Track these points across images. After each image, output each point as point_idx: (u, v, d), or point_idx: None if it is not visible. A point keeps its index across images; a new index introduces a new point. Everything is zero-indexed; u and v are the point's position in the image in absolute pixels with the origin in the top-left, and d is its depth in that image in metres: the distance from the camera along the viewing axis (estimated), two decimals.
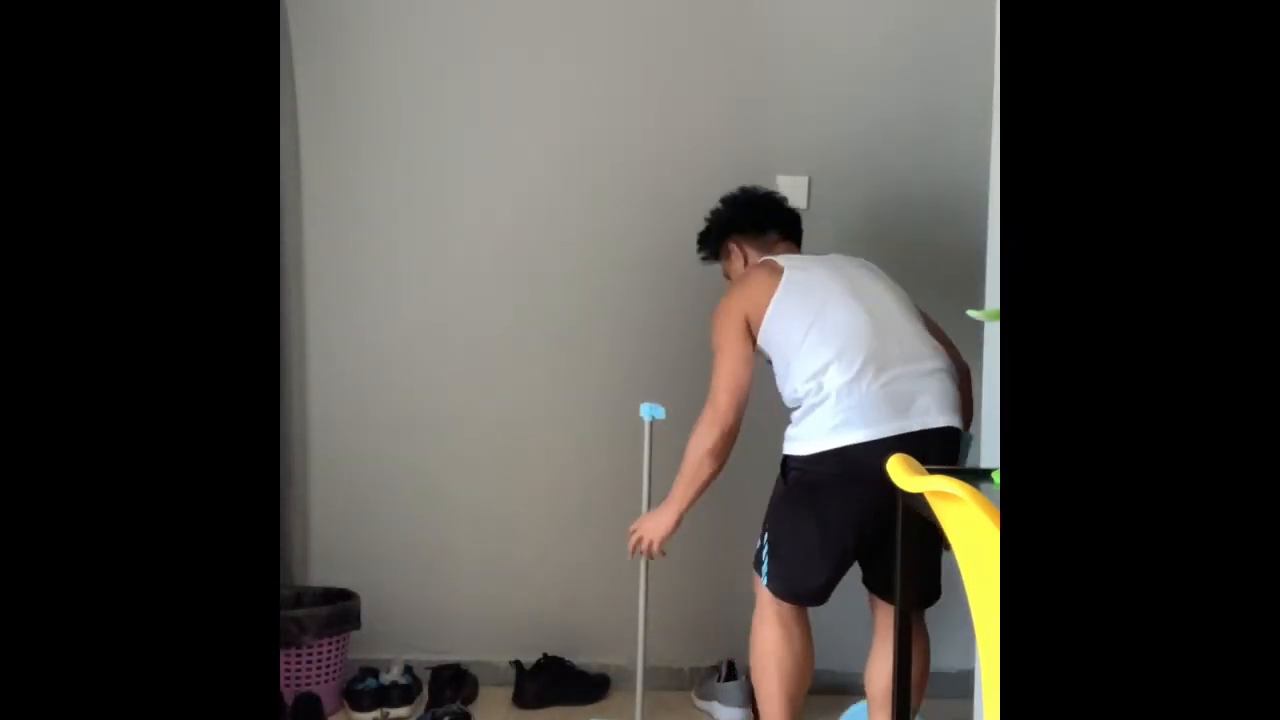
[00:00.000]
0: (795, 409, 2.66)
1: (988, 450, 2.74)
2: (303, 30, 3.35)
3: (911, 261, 3.42)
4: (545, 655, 3.29)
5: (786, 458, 2.66)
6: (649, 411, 2.88)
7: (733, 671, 3.26)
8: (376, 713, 3.14)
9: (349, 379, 3.44)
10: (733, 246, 2.94)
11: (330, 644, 3.15)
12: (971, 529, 1.69)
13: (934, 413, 2.58)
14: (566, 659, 3.35)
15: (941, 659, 3.23)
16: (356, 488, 3.44)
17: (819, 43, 3.42)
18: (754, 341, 2.69)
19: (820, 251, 3.37)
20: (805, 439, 2.59)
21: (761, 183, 3.39)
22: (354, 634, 3.26)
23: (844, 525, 2.59)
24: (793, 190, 3.40)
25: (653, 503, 2.86)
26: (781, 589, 2.64)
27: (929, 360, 2.65)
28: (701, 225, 3.40)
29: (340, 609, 3.19)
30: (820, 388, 2.57)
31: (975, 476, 2.36)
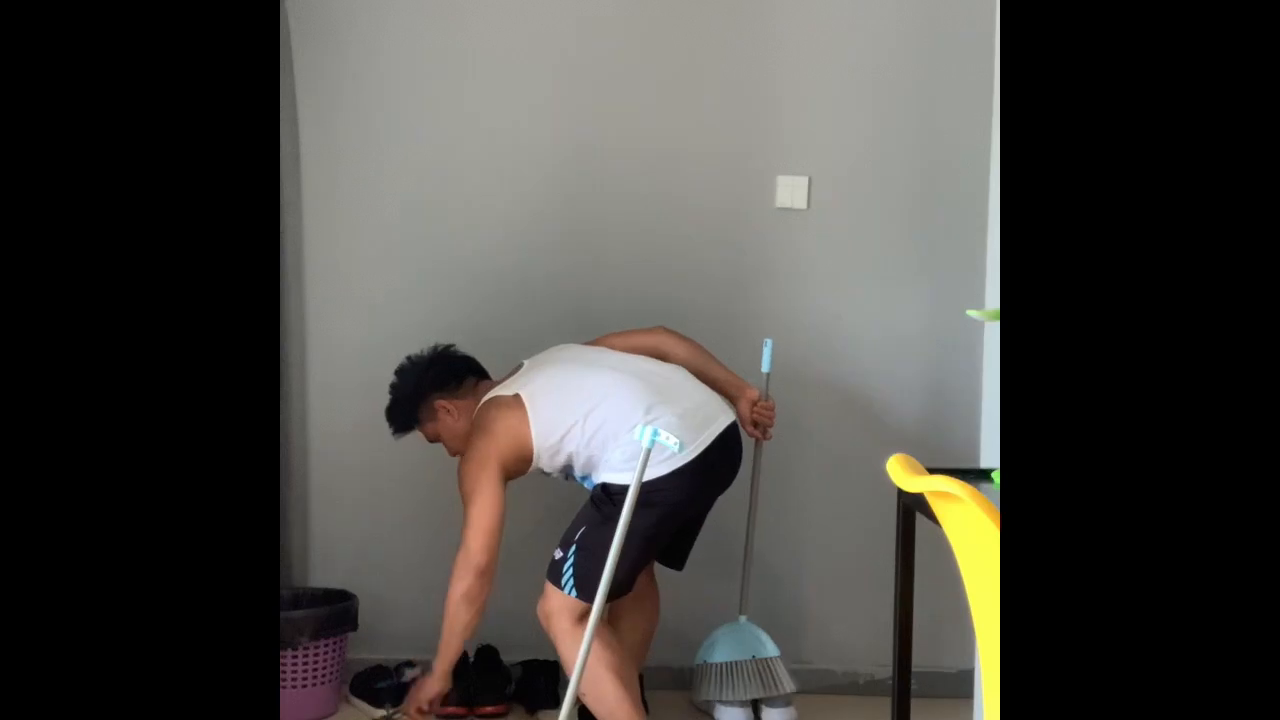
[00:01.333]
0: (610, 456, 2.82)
1: (988, 450, 2.75)
2: (303, 30, 3.35)
3: (911, 262, 3.43)
4: (537, 660, 3.28)
5: (615, 487, 2.78)
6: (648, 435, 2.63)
7: None
8: (383, 711, 3.15)
9: (349, 379, 3.44)
10: (438, 406, 3.02)
11: (328, 645, 3.15)
12: (971, 529, 1.69)
13: (720, 416, 2.87)
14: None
15: (942, 659, 3.24)
16: (356, 488, 3.44)
17: (820, 43, 3.42)
18: (507, 481, 2.88)
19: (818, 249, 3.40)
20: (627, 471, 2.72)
21: (762, 183, 3.41)
22: (354, 634, 3.26)
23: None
24: (793, 190, 3.40)
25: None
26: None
27: (684, 377, 2.96)
28: (702, 224, 3.41)
29: (337, 610, 3.18)
30: (630, 434, 2.72)
31: (975, 476, 2.37)
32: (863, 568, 3.30)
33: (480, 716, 3.17)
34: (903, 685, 2.56)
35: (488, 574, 2.84)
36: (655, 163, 3.42)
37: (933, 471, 1.87)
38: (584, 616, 2.73)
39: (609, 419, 2.81)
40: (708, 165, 3.41)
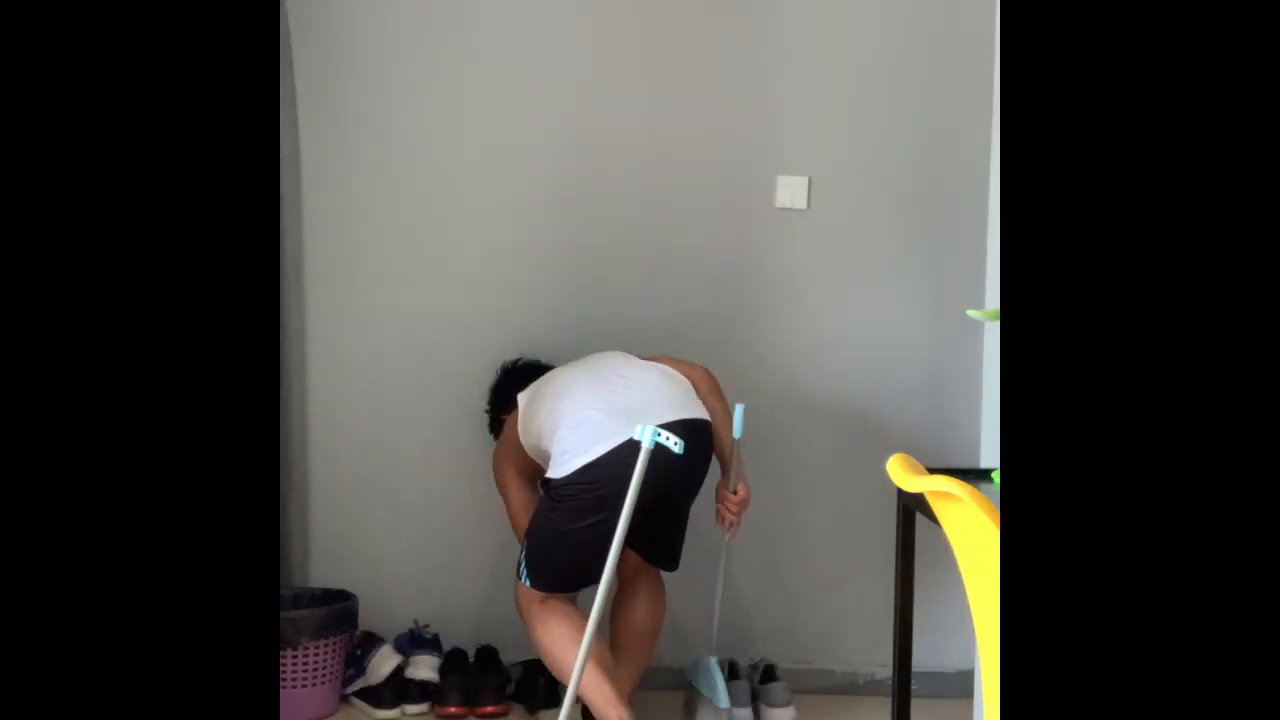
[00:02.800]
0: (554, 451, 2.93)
1: (988, 450, 2.75)
2: (303, 30, 3.35)
3: (911, 261, 3.43)
4: (538, 660, 3.27)
5: (551, 482, 2.90)
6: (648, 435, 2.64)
7: (734, 670, 3.26)
8: (395, 711, 3.16)
9: (349, 379, 3.44)
10: (504, 420, 3.22)
11: (328, 645, 3.15)
12: (971, 529, 1.69)
13: (660, 411, 2.82)
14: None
15: (941, 659, 3.24)
16: (356, 488, 3.44)
17: (820, 43, 3.42)
18: (530, 475, 3.09)
19: (825, 247, 3.41)
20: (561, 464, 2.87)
21: (761, 183, 3.41)
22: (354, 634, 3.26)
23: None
24: (793, 190, 3.40)
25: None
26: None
27: (650, 377, 2.98)
28: (703, 224, 3.42)
29: (337, 610, 3.18)
30: (570, 431, 2.88)
31: (975, 476, 2.37)
32: (863, 568, 3.30)
33: (480, 717, 3.17)
34: (903, 685, 2.56)
35: None
36: (655, 163, 3.42)
37: (933, 471, 1.87)
38: (544, 600, 2.88)
39: (553, 415, 2.93)
40: (708, 165, 3.41)
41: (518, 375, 3.23)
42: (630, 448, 2.62)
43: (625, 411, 2.81)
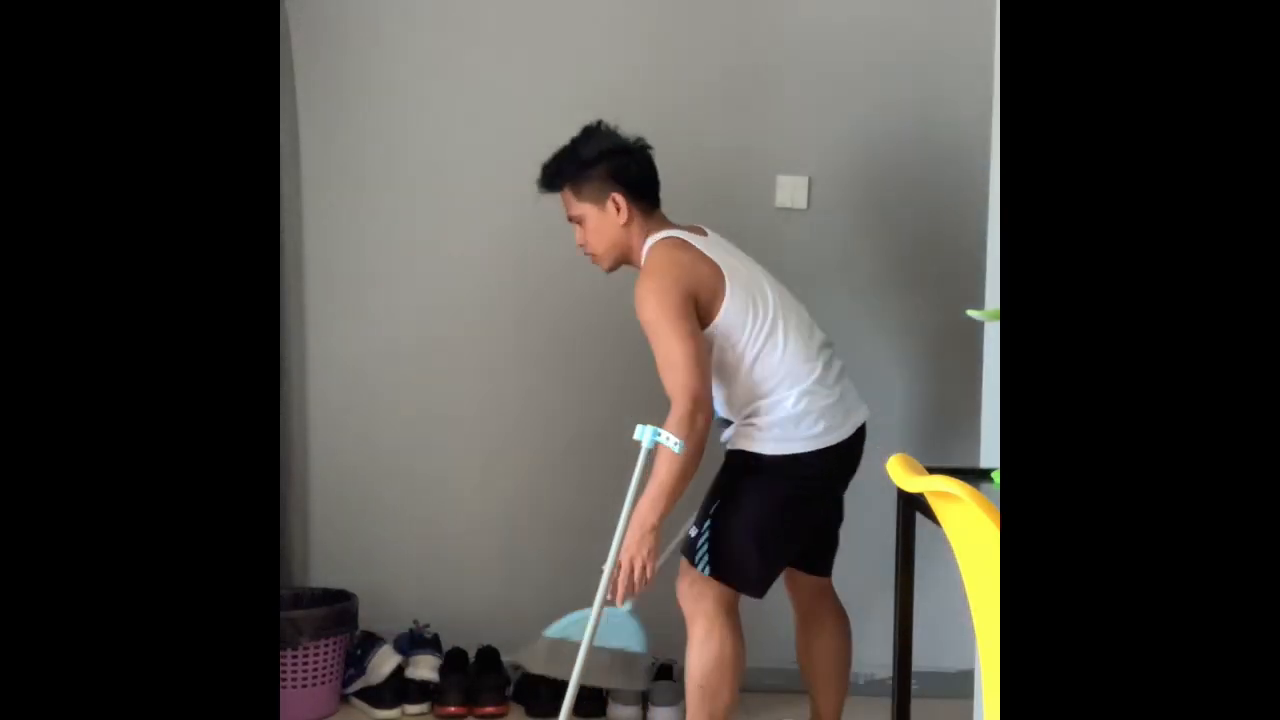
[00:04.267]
0: (752, 411, 2.57)
1: (988, 450, 2.75)
2: (303, 30, 3.34)
3: (911, 261, 3.43)
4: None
5: (756, 455, 2.57)
6: (647, 435, 2.55)
7: (669, 672, 3.22)
8: (395, 711, 3.17)
9: (349, 379, 3.44)
10: (618, 201, 2.62)
11: (328, 645, 3.15)
12: (971, 529, 1.69)
13: (859, 410, 2.70)
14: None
15: (941, 659, 3.24)
16: (356, 488, 3.44)
17: (819, 42, 3.42)
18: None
19: (823, 253, 3.40)
20: (781, 440, 2.56)
21: (762, 183, 3.41)
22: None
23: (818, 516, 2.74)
24: (793, 190, 3.40)
25: None
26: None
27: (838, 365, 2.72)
28: (702, 223, 3.41)
29: (337, 610, 3.18)
30: (792, 393, 2.55)
31: (975, 476, 2.37)
32: (863, 568, 3.30)
33: (480, 717, 3.17)
34: (903, 685, 2.56)
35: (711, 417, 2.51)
36: (656, 162, 3.42)
37: (933, 471, 1.87)
38: (732, 613, 2.56)
39: (784, 352, 2.51)
40: (708, 165, 3.41)
41: (651, 178, 2.66)
42: (850, 441, 2.62)
43: (842, 398, 2.62)
